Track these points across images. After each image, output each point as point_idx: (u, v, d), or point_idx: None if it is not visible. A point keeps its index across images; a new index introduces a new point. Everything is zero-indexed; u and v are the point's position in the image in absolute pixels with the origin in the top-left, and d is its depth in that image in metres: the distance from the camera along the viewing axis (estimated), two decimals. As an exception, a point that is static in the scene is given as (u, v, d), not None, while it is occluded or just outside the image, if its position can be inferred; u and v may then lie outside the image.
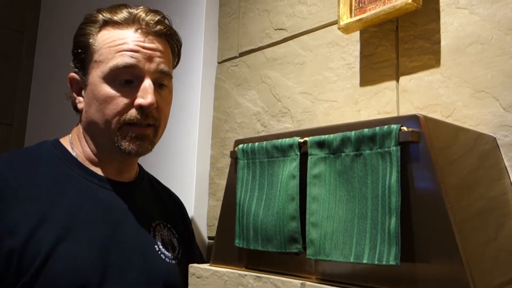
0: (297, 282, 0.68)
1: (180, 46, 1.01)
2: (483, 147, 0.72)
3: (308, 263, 0.71)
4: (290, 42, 1.15)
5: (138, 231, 0.94)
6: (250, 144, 0.81)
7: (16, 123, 2.08)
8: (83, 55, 0.93)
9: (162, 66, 0.92)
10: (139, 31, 0.91)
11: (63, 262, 0.81)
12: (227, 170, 1.21)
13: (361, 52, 0.98)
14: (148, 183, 1.07)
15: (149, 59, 0.90)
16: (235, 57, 1.30)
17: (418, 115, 0.61)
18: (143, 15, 0.92)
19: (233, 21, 1.33)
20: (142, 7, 0.94)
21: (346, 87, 0.99)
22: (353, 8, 0.93)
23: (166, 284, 0.93)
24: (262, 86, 1.21)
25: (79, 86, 0.95)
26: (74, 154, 0.95)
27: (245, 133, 1.23)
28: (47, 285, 0.79)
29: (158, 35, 0.93)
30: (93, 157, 0.95)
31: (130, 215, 0.94)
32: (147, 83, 0.89)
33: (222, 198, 0.90)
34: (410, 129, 0.60)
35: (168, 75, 0.94)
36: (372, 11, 0.88)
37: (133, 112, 0.89)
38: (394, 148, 0.60)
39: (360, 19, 0.90)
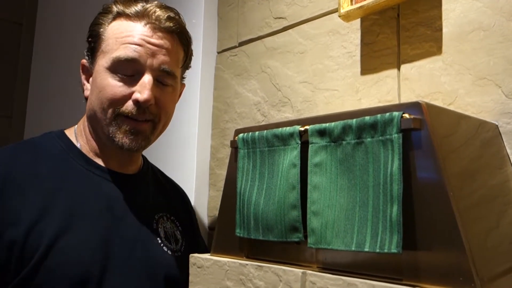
0: (298, 271, 0.67)
1: (190, 44, 0.98)
2: (485, 134, 0.72)
3: (309, 252, 0.71)
4: (290, 31, 1.14)
5: (140, 223, 0.93)
6: (250, 133, 0.80)
7: (15, 115, 2.07)
8: (93, 44, 0.93)
9: (165, 66, 0.90)
10: (148, 25, 0.89)
11: (64, 254, 0.81)
12: (227, 161, 1.21)
13: (361, 40, 0.97)
14: (152, 175, 1.06)
15: (152, 55, 0.89)
16: (235, 47, 1.29)
17: (420, 102, 0.60)
18: (155, 9, 0.90)
19: (232, 10, 1.32)
20: (156, 2, 0.93)
21: (347, 76, 0.99)
22: (353, -5, 0.92)
23: (168, 277, 0.92)
24: (262, 75, 1.20)
25: (89, 74, 0.95)
26: (78, 145, 0.94)
27: (245, 123, 1.22)
28: (48, 277, 0.79)
29: (167, 31, 0.91)
30: (96, 148, 0.95)
31: (133, 207, 0.93)
32: (147, 78, 0.88)
33: (222, 188, 0.89)
34: (412, 116, 0.59)
35: (170, 75, 0.92)
36: (373, -2, 0.87)
37: (129, 105, 0.88)
38: (396, 135, 0.59)
39: (360, 7, 0.89)
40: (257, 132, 0.79)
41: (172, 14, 0.92)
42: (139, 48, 0.88)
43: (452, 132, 0.64)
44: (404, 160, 0.59)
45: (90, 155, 0.94)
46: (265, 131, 0.77)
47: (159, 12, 0.90)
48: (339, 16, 0.93)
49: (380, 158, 0.61)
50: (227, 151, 1.26)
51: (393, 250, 0.58)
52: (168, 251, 0.95)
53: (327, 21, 1.05)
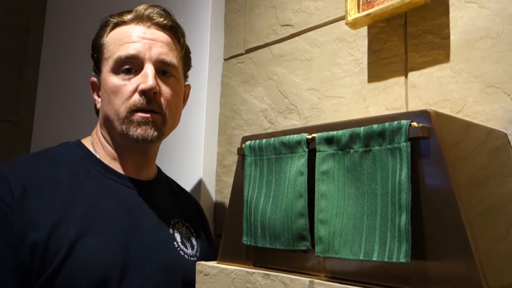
0: (305, 279, 0.67)
1: (184, 36, 1.02)
2: (494, 143, 0.71)
3: (317, 260, 0.71)
4: (297, 38, 1.14)
5: (157, 227, 0.95)
6: (257, 140, 0.80)
7: (22, 121, 2.08)
8: (96, 56, 0.99)
9: (163, 56, 0.95)
10: (141, 24, 0.96)
11: (84, 257, 0.83)
12: (233, 167, 1.21)
13: (369, 48, 0.97)
14: (166, 183, 1.09)
15: (150, 48, 0.94)
16: (242, 54, 1.30)
17: (429, 110, 0.60)
18: (143, 10, 0.97)
19: (239, 17, 1.32)
20: (145, 4, 0.98)
21: (354, 83, 0.99)
22: (360, 3, 0.92)
23: (185, 280, 0.94)
24: (269, 82, 1.20)
25: (98, 88, 0.99)
26: (95, 153, 0.98)
27: (252, 130, 1.22)
28: (69, 279, 0.81)
29: (160, 26, 0.97)
30: (113, 154, 0.98)
31: (150, 212, 0.96)
32: (148, 68, 0.93)
33: (229, 196, 0.89)
34: (421, 125, 0.59)
35: (170, 65, 0.96)
36: (380, 6, 0.87)
37: (136, 98, 0.91)
38: (404, 144, 0.59)
39: (368, 14, 0.89)
40: (264, 140, 0.79)
41: (161, 11, 0.99)
42: (137, 45, 0.93)
43: (460, 140, 0.64)
44: (413, 169, 0.59)
45: (107, 161, 0.97)
46: (272, 138, 0.77)
47: (149, 10, 0.97)
48: (346, 24, 0.93)
49: (388, 166, 0.61)
50: (234, 158, 1.26)
51: (402, 260, 0.57)
52: (185, 255, 0.97)
53: (334, 28, 1.05)
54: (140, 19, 0.96)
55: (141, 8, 0.97)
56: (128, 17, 0.97)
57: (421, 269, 0.58)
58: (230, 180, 1.23)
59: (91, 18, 1.73)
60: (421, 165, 0.59)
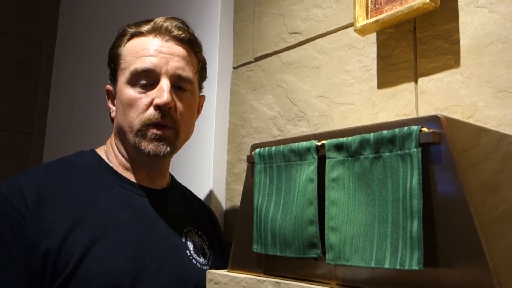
0: (316, 287, 0.66)
1: (201, 50, 1.03)
2: (507, 148, 0.70)
3: (328, 268, 0.70)
4: (305, 45, 1.14)
5: (170, 236, 0.96)
6: (267, 148, 0.80)
7: (35, 132, 2.10)
8: (113, 65, 0.99)
9: (180, 71, 0.95)
10: (158, 36, 0.96)
11: (96, 264, 0.83)
12: (243, 175, 1.20)
13: (378, 54, 0.96)
14: (180, 191, 1.10)
15: (166, 62, 0.94)
16: (251, 62, 1.30)
17: (439, 115, 0.59)
18: (162, 22, 0.97)
19: (248, 26, 1.33)
20: (164, 16, 0.98)
21: (364, 90, 0.98)
22: (369, 9, 0.92)
23: None
24: (278, 90, 1.20)
25: (113, 96, 1.00)
26: (109, 162, 0.98)
27: (262, 137, 1.22)
28: (81, 286, 0.82)
29: (177, 40, 0.97)
30: (126, 164, 0.98)
31: (162, 220, 0.96)
32: (164, 83, 0.93)
33: (239, 204, 0.89)
34: (431, 130, 0.59)
35: (186, 80, 0.96)
36: (388, 12, 0.87)
37: (151, 112, 0.92)
38: (415, 149, 0.59)
39: (376, 21, 0.89)
40: (273, 147, 0.79)
41: (179, 24, 0.99)
42: (153, 58, 0.93)
43: (472, 146, 0.63)
44: (424, 175, 0.59)
45: (120, 170, 0.98)
46: (282, 146, 0.77)
47: (167, 23, 0.97)
48: (355, 30, 0.93)
49: (399, 172, 0.60)
50: (244, 166, 1.26)
51: (414, 267, 0.56)
52: (197, 264, 0.97)
53: (342, 35, 1.05)
54: (158, 31, 0.96)
55: (159, 20, 0.97)
56: (145, 28, 0.96)
57: (433, 277, 0.57)
58: (240, 188, 1.23)
59: (103, 29, 1.75)
60: (432, 171, 0.59)
